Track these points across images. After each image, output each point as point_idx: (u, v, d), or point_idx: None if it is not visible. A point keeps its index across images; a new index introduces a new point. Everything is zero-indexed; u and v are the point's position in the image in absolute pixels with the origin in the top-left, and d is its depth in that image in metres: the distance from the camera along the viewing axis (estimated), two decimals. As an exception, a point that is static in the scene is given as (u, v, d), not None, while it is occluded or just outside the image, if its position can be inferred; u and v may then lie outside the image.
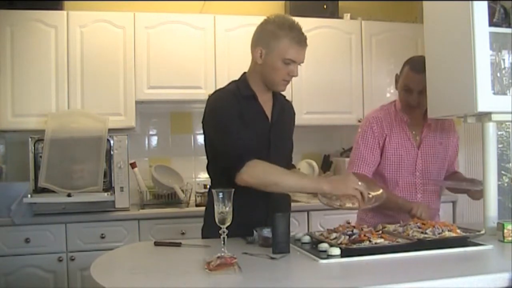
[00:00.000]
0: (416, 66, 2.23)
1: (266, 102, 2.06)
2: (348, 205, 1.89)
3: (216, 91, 2.07)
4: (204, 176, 3.60)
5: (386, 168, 2.31)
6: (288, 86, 3.80)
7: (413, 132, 2.33)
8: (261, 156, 1.89)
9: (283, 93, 2.14)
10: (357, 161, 2.31)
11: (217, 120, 1.96)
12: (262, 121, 2.03)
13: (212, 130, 1.99)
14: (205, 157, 2.12)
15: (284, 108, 2.15)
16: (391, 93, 3.72)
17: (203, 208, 2.27)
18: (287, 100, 2.21)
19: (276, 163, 1.90)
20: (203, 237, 2.09)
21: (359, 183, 1.86)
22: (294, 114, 2.25)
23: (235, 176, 1.84)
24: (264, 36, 1.96)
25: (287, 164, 2.14)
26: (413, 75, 2.22)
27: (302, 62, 2.00)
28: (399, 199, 2.24)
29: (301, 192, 1.92)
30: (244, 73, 2.09)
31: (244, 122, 1.94)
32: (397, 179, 2.30)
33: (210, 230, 1.93)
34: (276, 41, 1.93)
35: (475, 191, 2.25)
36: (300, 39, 1.96)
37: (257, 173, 1.85)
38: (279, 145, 2.07)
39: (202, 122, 2.05)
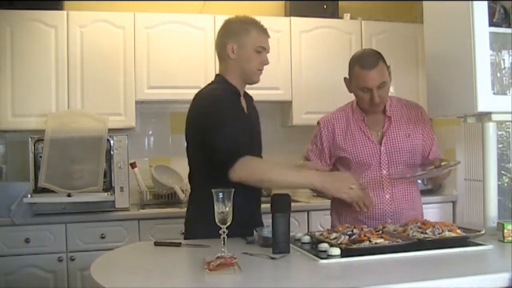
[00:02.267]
0: (366, 63, 2.11)
1: (242, 101, 2.14)
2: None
3: (206, 90, 2.08)
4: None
5: (350, 170, 2.20)
6: (288, 86, 3.84)
7: (373, 129, 2.23)
8: (252, 153, 1.93)
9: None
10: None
11: (216, 113, 1.94)
12: (244, 119, 2.07)
13: (209, 124, 1.93)
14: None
15: (252, 106, 2.21)
16: (391, 93, 3.71)
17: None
18: (252, 99, 2.24)
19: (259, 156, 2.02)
20: (186, 237, 2.09)
21: (355, 185, 1.87)
22: (258, 113, 2.26)
23: (228, 173, 1.82)
24: (233, 33, 2.07)
25: None
26: (367, 73, 2.10)
27: (269, 51, 2.11)
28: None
29: (291, 187, 1.91)
30: (217, 74, 2.16)
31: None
32: (363, 179, 2.16)
33: (196, 230, 2.01)
34: (246, 33, 2.05)
35: (443, 175, 2.17)
36: (265, 29, 2.11)
37: (251, 169, 1.85)
38: (256, 141, 2.14)
39: (189, 124, 2.06)
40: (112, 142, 3.16)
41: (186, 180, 3.58)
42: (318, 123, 2.34)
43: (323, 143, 2.26)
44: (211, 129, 1.91)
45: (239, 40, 2.04)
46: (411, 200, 2.23)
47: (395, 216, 2.17)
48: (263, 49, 2.07)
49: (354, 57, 2.20)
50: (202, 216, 1.87)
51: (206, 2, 3.73)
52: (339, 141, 2.23)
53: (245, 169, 1.83)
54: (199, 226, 2.02)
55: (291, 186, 1.91)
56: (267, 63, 2.09)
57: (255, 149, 2.07)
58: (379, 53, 2.18)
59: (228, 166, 1.82)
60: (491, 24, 1.94)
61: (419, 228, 1.83)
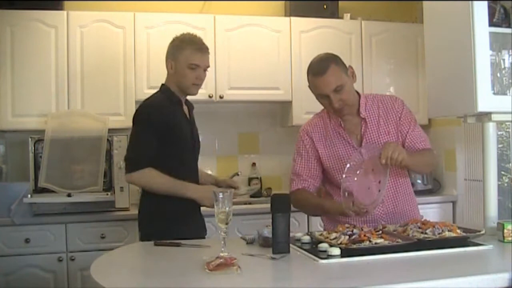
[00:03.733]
0: (316, 70, 2.08)
1: (185, 108, 2.40)
2: None
3: (148, 100, 2.32)
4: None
5: (336, 178, 2.16)
6: (288, 86, 3.84)
7: (352, 132, 2.18)
8: (187, 156, 2.31)
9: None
10: (294, 178, 2.24)
11: (138, 124, 2.25)
12: (185, 123, 2.34)
13: (132, 131, 2.27)
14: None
15: (192, 114, 2.48)
16: (391, 93, 3.72)
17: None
18: (193, 107, 2.50)
19: (197, 158, 2.40)
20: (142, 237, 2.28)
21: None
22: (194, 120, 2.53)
23: (126, 174, 2.22)
24: (171, 50, 2.34)
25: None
26: (319, 79, 2.06)
27: (208, 66, 2.35)
28: (325, 203, 2.16)
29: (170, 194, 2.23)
30: (163, 84, 2.37)
31: (173, 125, 2.25)
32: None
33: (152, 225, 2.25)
34: (180, 51, 2.30)
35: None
36: (201, 48, 2.33)
37: (143, 180, 2.22)
38: (197, 141, 2.43)
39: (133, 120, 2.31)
40: (112, 142, 3.16)
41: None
42: (298, 133, 2.29)
43: (308, 152, 2.22)
44: (131, 135, 2.28)
45: (175, 58, 2.31)
46: (403, 201, 2.18)
47: (388, 217, 2.13)
48: (197, 66, 2.29)
49: (308, 67, 2.16)
50: (157, 211, 2.23)
51: (206, 2, 3.73)
52: (319, 149, 2.20)
53: (138, 179, 2.21)
54: (155, 222, 2.24)
55: (169, 193, 2.20)
56: (202, 79, 2.34)
57: (195, 151, 2.40)
58: (332, 56, 2.13)
59: (129, 171, 2.20)
60: (491, 24, 1.94)
61: (419, 228, 1.83)
